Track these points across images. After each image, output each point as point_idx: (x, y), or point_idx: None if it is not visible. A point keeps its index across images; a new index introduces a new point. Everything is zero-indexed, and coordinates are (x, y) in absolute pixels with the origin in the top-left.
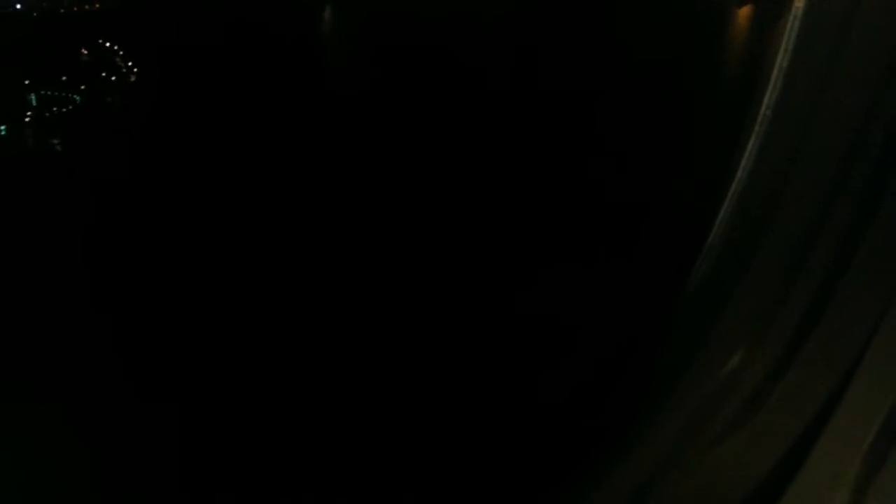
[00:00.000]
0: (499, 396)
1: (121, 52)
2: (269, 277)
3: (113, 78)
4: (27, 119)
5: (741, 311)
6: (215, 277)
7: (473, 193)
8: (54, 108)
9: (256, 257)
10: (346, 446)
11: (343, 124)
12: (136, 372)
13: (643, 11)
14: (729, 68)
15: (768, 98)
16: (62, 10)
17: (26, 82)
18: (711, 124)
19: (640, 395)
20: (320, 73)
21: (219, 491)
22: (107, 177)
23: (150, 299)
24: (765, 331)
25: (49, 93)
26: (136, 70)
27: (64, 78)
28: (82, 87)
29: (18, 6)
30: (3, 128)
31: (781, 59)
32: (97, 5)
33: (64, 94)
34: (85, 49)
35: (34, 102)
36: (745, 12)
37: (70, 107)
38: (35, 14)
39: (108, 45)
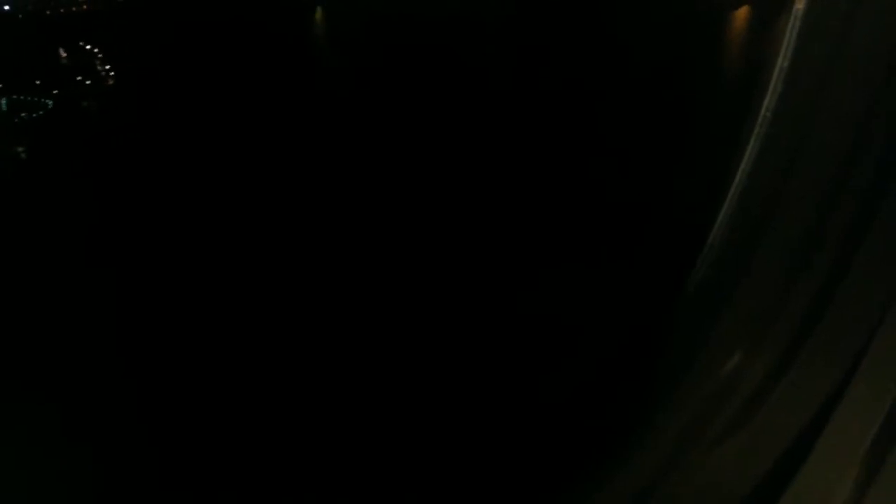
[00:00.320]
0: (500, 398)
1: (100, 56)
2: (270, 278)
3: (88, 82)
4: None
5: (741, 312)
6: (210, 280)
7: (474, 195)
8: (23, 114)
9: (253, 263)
10: (347, 447)
11: (343, 124)
12: (135, 372)
13: (644, 12)
14: (729, 69)
15: (769, 99)
16: (48, 12)
17: None
18: (712, 125)
19: (641, 396)
20: (314, 78)
21: (219, 491)
22: (73, 184)
23: (135, 306)
24: (765, 331)
25: (20, 97)
26: (113, 73)
27: (38, 82)
28: (55, 91)
29: (7, 7)
30: None
31: (782, 60)
32: (84, 7)
33: (35, 99)
34: (64, 52)
35: (3, 107)
36: (745, 13)
37: (40, 112)
38: (20, 16)
39: (88, 47)
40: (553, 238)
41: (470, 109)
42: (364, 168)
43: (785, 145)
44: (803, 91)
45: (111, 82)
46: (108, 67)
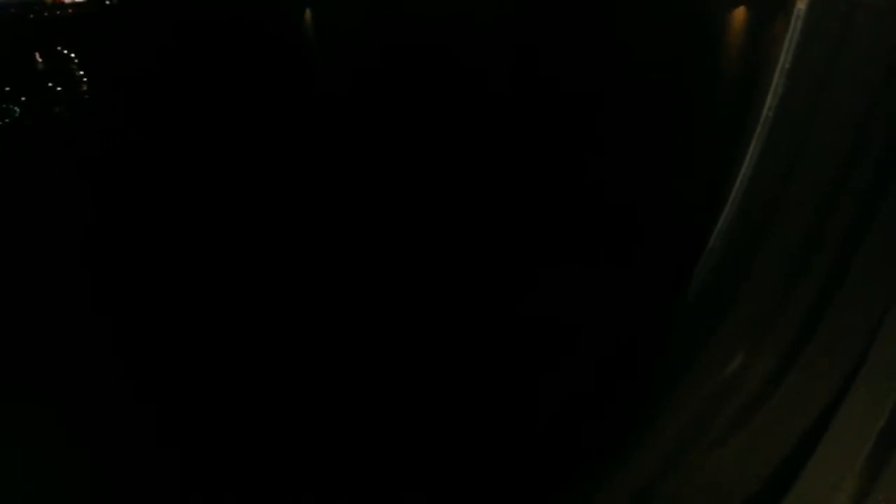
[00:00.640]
0: (500, 399)
1: (77, 60)
2: (264, 280)
3: (59, 88)
4: None
5: (742, 315)
6: (203, 281)
7: (474, 196)
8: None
9: (244, 265)
10: (347, 448)
11: (342, 125)
12: (135, 372)
13: (644, 12)
14: (731, 71)
15: (770, 100)
16: (31, 16)
17: None
18: (713, 128)
19: (642, 397)
20: (302, 79)
21: (219, 491)
22: (38, 192)
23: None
24: (765, 334)
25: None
26: (86, 79)
27: (7, 88)
28: (23, 98)
29: None
30: None
31: (783, 61)
32: (70, 10)
33: (3, 106)
34: (40, 57)
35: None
36: (747, 14)
37: (6, 119)
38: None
39: (65, 52)
40: (555, 240)
41: (469, 109)
42: (357, 169)
43: (785, 149)
44: (804, 93)
45: (85, 88)
46: (81, 73)
